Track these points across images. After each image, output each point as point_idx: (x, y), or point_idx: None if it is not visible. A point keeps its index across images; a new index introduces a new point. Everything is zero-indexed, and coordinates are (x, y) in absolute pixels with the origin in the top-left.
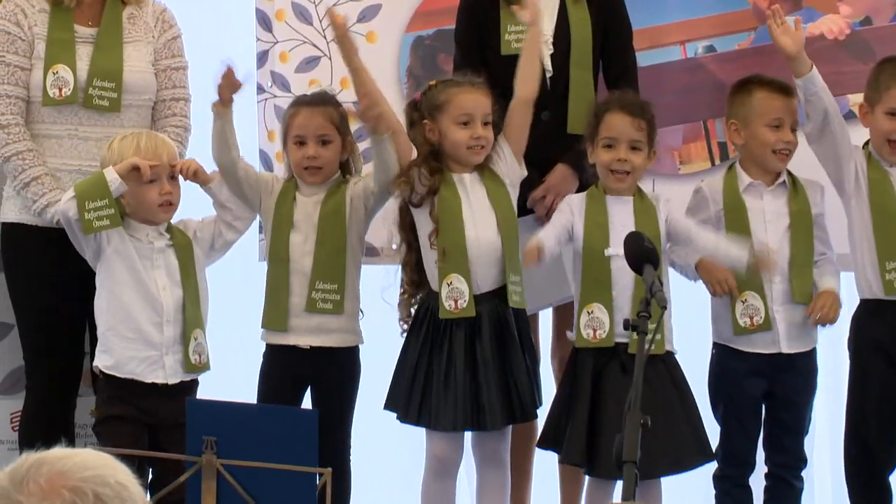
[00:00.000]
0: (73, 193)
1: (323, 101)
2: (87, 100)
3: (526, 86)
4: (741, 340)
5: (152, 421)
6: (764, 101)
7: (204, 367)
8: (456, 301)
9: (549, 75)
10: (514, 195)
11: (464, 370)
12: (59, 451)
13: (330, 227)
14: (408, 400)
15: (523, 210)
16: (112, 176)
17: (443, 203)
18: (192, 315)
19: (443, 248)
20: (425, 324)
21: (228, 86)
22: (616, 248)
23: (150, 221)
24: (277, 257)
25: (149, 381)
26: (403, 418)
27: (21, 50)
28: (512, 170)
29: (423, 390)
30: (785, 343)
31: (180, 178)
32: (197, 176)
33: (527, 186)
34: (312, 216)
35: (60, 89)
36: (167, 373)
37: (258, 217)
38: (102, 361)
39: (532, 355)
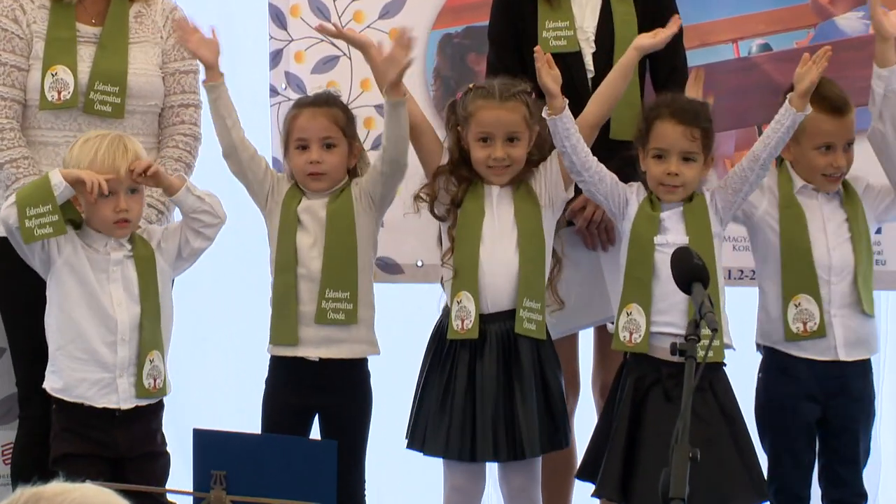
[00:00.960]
0: (13, 199)
1: (327, 101)
2: (87, 104)
3: (597, 108)
4: (793, 345)
5: (113, 455)
6: (814, 122)
7: (159, 392)
8: (463, 321)
9: (590, 76)
10: (551, 216)
11: (463, 395)
12: (56, 486)
13: (338, 230)
14: (413, 424)
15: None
16: (57, 179)
17: (464, 216)
18: (148, 335)
19: (455, 264)
20: (436, 344)
21: (203, 45)
22: (665, 239)
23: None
24: (284, 265)
25: (100, 405)
26: (409, 444)
27: (18, 49)
28: (554, 189)
29: (424, 413)
30: (843, 350)
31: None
32: (155, 179)
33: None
34: (320, 219)
35: (59, 92)
36: (120, 397)
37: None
38: (51, 384)
39: (555, 388)
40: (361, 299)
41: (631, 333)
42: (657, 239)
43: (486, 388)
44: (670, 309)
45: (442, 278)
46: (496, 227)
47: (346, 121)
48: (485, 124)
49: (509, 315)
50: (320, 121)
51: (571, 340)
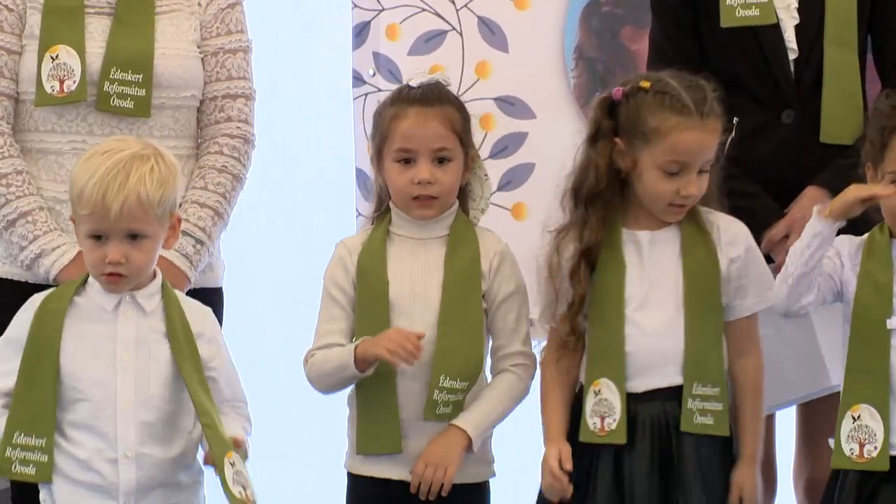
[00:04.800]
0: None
1: (439, 97)
2: (101, 99)
3: None
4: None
5: None
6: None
7: None
8: (603, 419)
9: (792, 57)
10: (727, 257)
11: (609, 492)
12: None
13: (461, 297)
14: None
15: None
16: None
17: (602, 273)
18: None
19: (591, 339)
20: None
21: (402, 352)
22: None
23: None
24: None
25: None
26: None
27: (8, 23)
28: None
29: None
30: None
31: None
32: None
33: (762, 219)
34: (425, 282)
35: (62, 82)
36: None
37: None
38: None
39: (715, 492)
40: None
41: (861, 445)
42: (892, 322)
43: (634, 491)
44: None
45: None
46: (648, 283)
47: (462, 124)
48: (682, 151)
49: (668, 394)
50: (432, 126)
51: (766, 422)
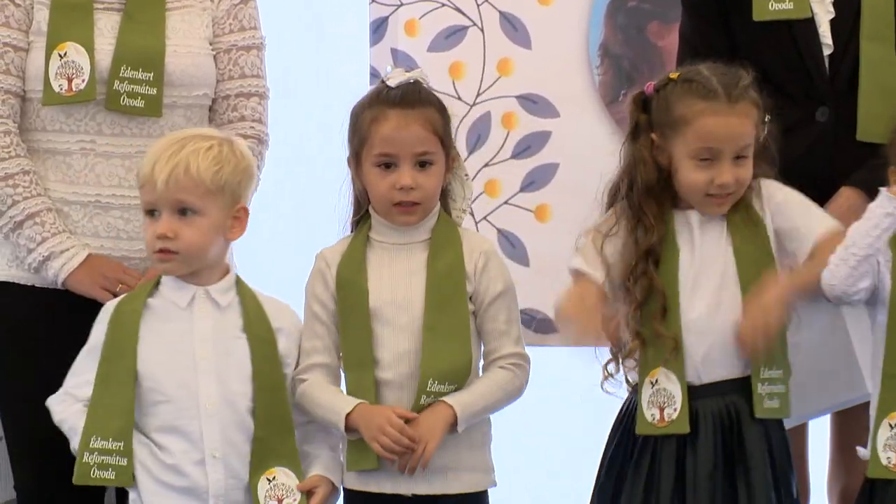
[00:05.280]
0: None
1: (420, 98)
2: (111, 98)
3: None
4: None
5: None
6: None
7: None
8: (662, 410)
9: (827, 52)
10: (770, 215)
11: (670, 497)
12: None
13: (445, 301)
14: None
15: None
16: None
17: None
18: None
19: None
20: (621, 430)
21: (396, 449)
22: None
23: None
24: (355, 363)
25: None
26: None
27: (14, 19)
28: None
29: None
30: None
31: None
32: None
33: None
34: (406, 277)
35: (70, 80)
36: None
37: None
38: None
39: (784, 485)
40: None
41: None
42: None
43: (699, 491)
44: None
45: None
46: (701, 267)
47: (443, 126)
48: (709, 137)
49: (731, 385)
50: (414, 130)
51: (799, 431)
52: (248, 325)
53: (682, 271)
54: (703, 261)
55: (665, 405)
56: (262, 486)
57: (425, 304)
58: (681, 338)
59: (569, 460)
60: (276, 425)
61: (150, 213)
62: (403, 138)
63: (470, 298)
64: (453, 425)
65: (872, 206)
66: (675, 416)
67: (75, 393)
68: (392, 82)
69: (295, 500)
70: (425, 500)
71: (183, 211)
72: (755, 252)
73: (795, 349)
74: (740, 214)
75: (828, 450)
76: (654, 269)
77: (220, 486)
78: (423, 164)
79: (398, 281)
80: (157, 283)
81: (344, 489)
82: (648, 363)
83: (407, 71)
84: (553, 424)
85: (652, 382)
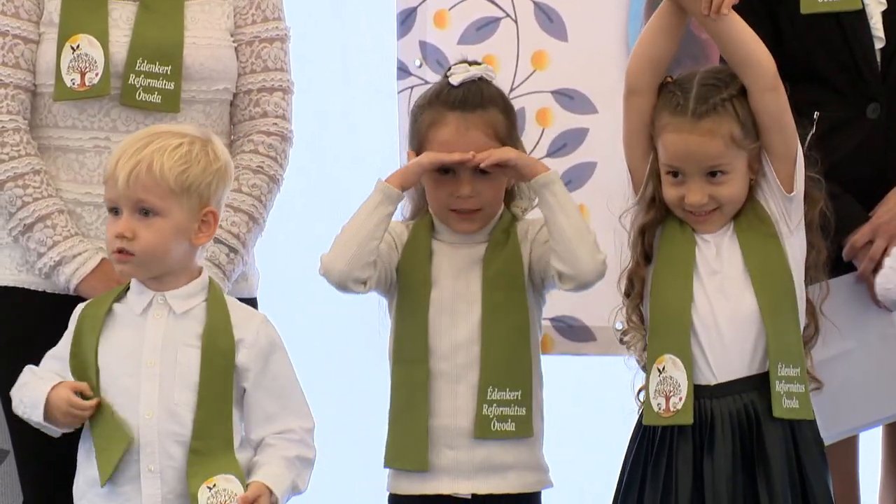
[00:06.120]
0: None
1: (482, 101)
2: (126, 93)
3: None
4: None
5: None
6: None
7: None
8: (668, 398)
9: (878, 46)
10: (794, 241)
11: (690, 497)
12: None
13: (503, 298)
14: None
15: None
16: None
17: (669, 243)
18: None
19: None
20: (638, 433)
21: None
22: None
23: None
24: (408, 355)
25: None
26: None
27: (25, 10)
28: (779, 200)
29: None
30: None
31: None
32: None
33: (844, 223)
34: (468, 279)
35: (83, 74)
36: None
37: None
38: None
39: (820, 492)
40: (536, 402)
41: None
42: None
43: (719, 495)
44: None
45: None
46: (714, 262)
47: (507, 128)
48: (671, 155)
49: (747, 384)
50: (473, 136)
51: (849, 445)
52: (205, 333)
53: (698, 262)
54: (720, 256)
55: (671, 394)
56: (203, 495)
57: (482, 308)
58: (689, 323)
59: (602, 468)
60: (215, 439)
61: (114, 210)
62: (462, 146)
63: (529, 270)
64: None
65: None
66: (679, 406)
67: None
68: (455, 80)
69: None
70: (481, 500)
71: (144, 211)
72: (765, 248)
73: (843, 358)
74: (746, 217)
75: (880, 463)
76: (642, 251)
77: (156, 502)
78: (483, 171)
79: (459, 273)
80: (127, 288)
81: (391, 495)
82: (656, 349)
83: (471, 65)
84: (587, 432)
85: (659, 369)
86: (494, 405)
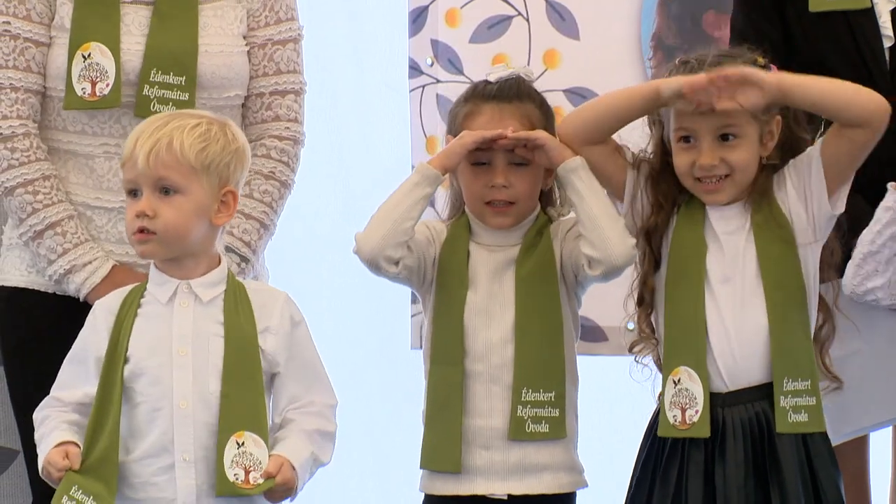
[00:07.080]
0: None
1: (518, 93)
2: (140, 104)
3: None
4: None
5: None
6: None
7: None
8: (684, 411)
9: (887, 45)
10: (815, 249)
11: None
12: None
13: (536, 298)
14: None
15: None
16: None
17: (679, 249)
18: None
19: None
20: (649, 438)
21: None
22: None
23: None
24: (444, 356)
25: None
26: None
27: (36, 12)
28: (816, 203)
29: None
30: None
31: None
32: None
33: (853, 223)
34: (502, 281)
35: (94, 84)
36: None
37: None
38: None
39: (833, 498)
40: (570, 403)
41: None
42: None
43: (729, 503)
44: None
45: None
46: (726, 266)
47: (544, 123)
48: (679, 113)
49: (759, 392)
50: (509, 125)
51: (859, 444)
52: (226, 321)
53: (709, 268)
54: (732, 255)
55: (687, 406)
56: (230, 449)
57: (516, 310)
58: (704, 335)
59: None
60: (249, 429)
61: (133, 193)
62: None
63: (561, 268)
64: None
65: (882, 202)
66: (696, 418)
67: (60, 395)
68: (492, 77)
69: (257, 476)
70: (516, 501)
71: (165, 190)
72: (780, 255)
73: (853, 358)
74: (763, 214)
75: (890, 463)
76: (650, 255)
77: (191, 492)
78: (518, 164)
79: (493, 276)
80: (146, 286)
81: (426, 496)
82: (671, 361)
83: (510, 66)
84: (599, 433)
85: (675, 381)
86: (528, 406)
